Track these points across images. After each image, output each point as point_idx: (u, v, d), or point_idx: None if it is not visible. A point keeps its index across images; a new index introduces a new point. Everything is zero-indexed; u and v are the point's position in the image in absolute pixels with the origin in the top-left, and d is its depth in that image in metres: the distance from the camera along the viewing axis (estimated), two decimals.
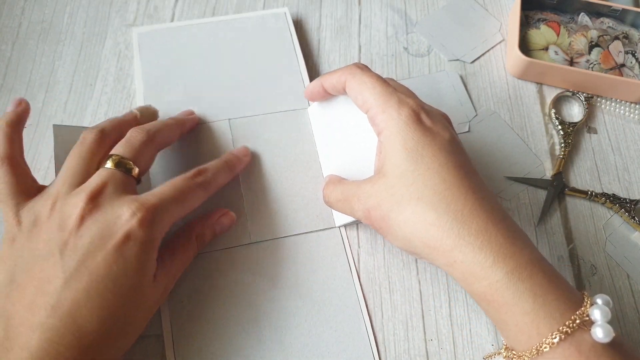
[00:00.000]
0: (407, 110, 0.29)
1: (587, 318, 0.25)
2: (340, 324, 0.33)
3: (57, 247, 0.26)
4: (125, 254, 0.26)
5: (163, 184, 0.30)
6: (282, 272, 0.35)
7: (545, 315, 0.25)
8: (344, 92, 0.33)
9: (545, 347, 0.25)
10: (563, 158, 0.41)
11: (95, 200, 0.27)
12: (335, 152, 0.37)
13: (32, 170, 0.37)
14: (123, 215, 0.27)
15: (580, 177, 0.41)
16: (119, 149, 0.30)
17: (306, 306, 0.34)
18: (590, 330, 0.25)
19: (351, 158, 0.36)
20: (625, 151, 0.42)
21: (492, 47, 0.46)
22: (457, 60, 0.45)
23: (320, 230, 0.36)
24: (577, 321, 0.25)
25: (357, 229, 0.37)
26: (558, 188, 0.40)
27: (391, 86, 0.31)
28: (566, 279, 0.28)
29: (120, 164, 0.29)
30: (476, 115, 0.43)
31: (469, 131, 0.42)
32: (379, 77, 0.31)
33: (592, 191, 0.40)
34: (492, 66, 0.46)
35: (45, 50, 0.43)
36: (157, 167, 0.37)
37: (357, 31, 0.46)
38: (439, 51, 0.46)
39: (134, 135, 0.31)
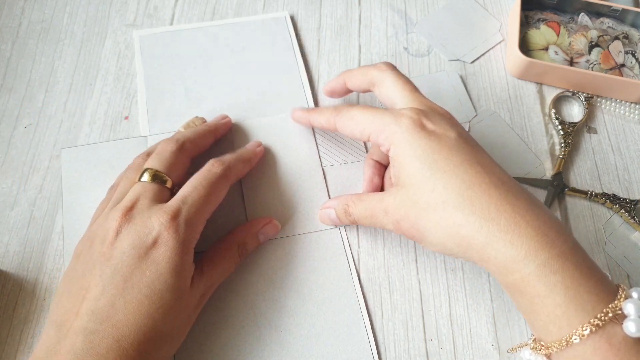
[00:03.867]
0: (406, 120, 0.29)
1: (620, 312, 0.25)
2: (340, 324, 0.33)
3: (98, 259, 0.28)
4: (157, 259, 0.27)
5: (183, 186, 0.31)
6: (282, 272, 0.34)
7: (576, 308, 0.25)
8: (369, 90, 0.35)
9: (575, 339, 0.25)
10: (563, 158, 0.41)
11: (129, 214, 0.28)
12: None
13: (32, 170, 0.38)
14: (152, 223, 0.28)
15: (580, 177, 0.41)
16: (150, 162, 0.31)
17: (306, 306, 0.34)
18: (622, 324, 0.25)
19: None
20: (625, 151, 0.42)
21: (492, 47, 0.46)
22: (457, 60, 0.45)
23: (321, 230, 0.36)
24: (610, 314, 0.25)
25: (357, 229, 0.37)
26: (558, 188, 0.40)
27: (379, 109, 0.32)
28: (600, 269, 0.27)
29: (152, 176, 0.30)
30: (476, 115, 0.43)
31: (468, 131, 0.42)
32: (364, 106, 0.32)
33: (592, 191, 0.40)
34: (492, 66, 0.46)
35: (45, 50, 0.43)
36: None
37: (357, 31, 0.46)
38: (439, 51, 0.46)
39: (163, 147, 0.32)
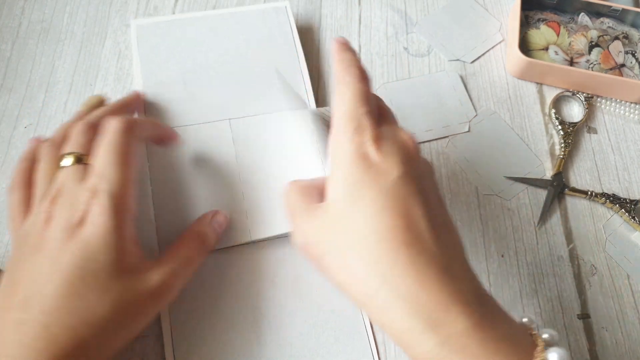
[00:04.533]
0: (356, 142, 0.26)
1: None
2: (340, 324, 0.33)
3: (29, 252, 0.27)
4: (86, 238, 0.26)
5: (95, 154, 0.29)
6: (281, 272, 0.34)
7: None
8: None
9: None
10: (563, 158, 0.41)
11: (56, 200, 0.28)
12: None
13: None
14: (78, 202, 0.27)
15: (580, 177, 0.41)
16: (65, 148, 0.30)
17: (306, 306, 0.34)
18: None
19: None
20: (625, 151, 0.42)
21: (492, 47, 0.46)
22: (457, 60, 0.45)
23: None
24: None
25: None
26: (558, 188, 0.40)
27: (366, 107, 0.27)
28: (515, 328, 0.25)
29: (75, 160, 0.29)
30: (476, 115, 0.43)
31: (469, 131, 0.42)
32: (358, 91, 0.28)
33: (592, 191, 0.40)
34: (492, 66, 0.46)
35: (45, 50, 0.43)
36: (156, 168, 0.36)
37: (357, 31, 0.46)
38: (439, 51, 0.46)
39: (71, 129, 0.31)
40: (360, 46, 0.45)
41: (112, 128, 0.29)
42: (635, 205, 0.39)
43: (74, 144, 0.30)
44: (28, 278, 0.26)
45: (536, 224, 0.39)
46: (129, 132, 0.30)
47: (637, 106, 0.44)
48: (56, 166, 0.29)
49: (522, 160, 0.41)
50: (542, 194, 0.40)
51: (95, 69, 0.42)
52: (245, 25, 0.43)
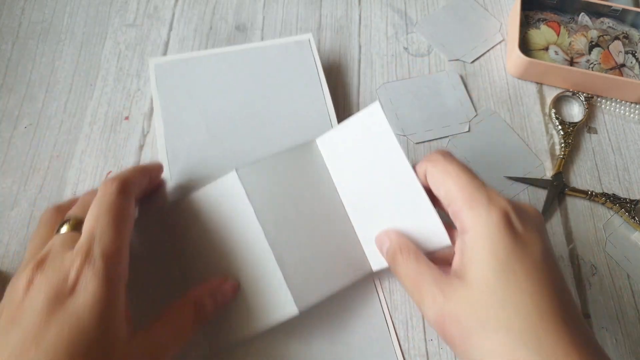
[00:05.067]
0: (498, 211, 0.25)
1: None
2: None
3: (4, 326, 0.23)
4: (77, 309, 0.23)
5: (87, 215, 0.27)
6: (315, 341, 0.33)
7: None
8: (426, 182, 0.29)
9: None
10: (563, 158, 0.41)
11: (40, 266, 0.25)
12: (354, 189, 0.33)
13: (32, 170, 0.38)
14: (66, 268, 0.24)
15: (580, 177, 0.41)
16: (69, 213, 0.28)
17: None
18: None
19: (372, 194, 0.32)
20: (625, 151, 0.42)
21: (492, 47, 0.46)
22: (457, 60, 0.45)
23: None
24: None
25: None
26: (558, 188, 0.40)
27: (478, 178, 0.27)
28: None
29: (73, 226, 0.27)
30: (476, 115, 0.43)
31: (469, 131, 0.42)
32: (464, 167, 0.28)
33: (592, 191, 0.40)
34: (492, 66, 0.46)
35: (45, 50, 0.43)
36: (183, 239, 0.33)
37: (357, 31, 0.46)
38: (439, 51, 0.46)
39: (84, 196, 0.29)
40: (360, 46, 0.45)
41: (106, 189, 0.27)
42: (635, 205, 0.39)
43: (76, 209, 0.28)
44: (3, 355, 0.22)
45: None
46: (124, 193, 0.28)
47: (637, 106, 0.44)
48: (52, 230, 0.28)
49: (522, 160, 0.41)
50: (542, 194, 0.40)
51: (95, 69, 0.42)
52: (268, 61, 0.40)
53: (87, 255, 0.24)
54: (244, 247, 0.31)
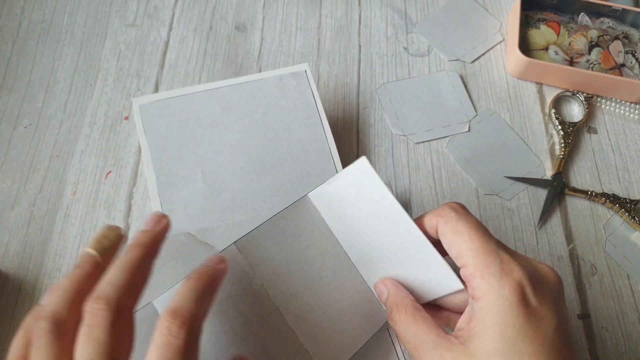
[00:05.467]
0: (511, 284, 0.24)
1: None
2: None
3: None
4: None
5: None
6: None
7: None
8: (436, 235, 0.28)
9: None
10: (563, 158, 0.41)
11: None
12: (356, 241, 0.33)
13: (32, 170, 0.38)
14: None
15: (580, 177, 0.41)
16: (84, 354, 0.21)
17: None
18: None
19: (374, 245, 0.32)
20: (625, 151, 0.42)
21: (492, 47, 0.46)
22: (457, 60, 0.45)
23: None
24: None
25: None
26: (558, 188, 0.40)
27: (492, 240, 0.26)
28: None
29: None
30: (476, 115, 0.43)
31: (468, 131, 0.42)
32: (477, 226, 0.26)
33: (592, 191, 0.40)
34: (492, 66, 0.46)
35: (45, 50, 0.43)
36: None
37: (357, 31, 0.46)
38: (439, 51, 0.46)
39: (92, 319, 0.22)
40: (360, 46, 0.45)
41: (171, 334, 0.22)
42: (635, 205, 0.39)
43: (98, 347, 0.21)
44: None
45: (536, 224, 0.39)
46: (193, 339, 0.23)
47: (637, 106, 0.44)
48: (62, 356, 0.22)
49: (522, 160, 0.41)
50: (542, 194, 0.40)
51: (95, 69, 0.42)
52: (263, 96, 0.37)
53: None
54: (259, 322, 0.30)
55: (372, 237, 0.31)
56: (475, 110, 0.43)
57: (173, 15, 0.45)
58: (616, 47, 0.45)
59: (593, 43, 0.46)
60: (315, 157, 0.36)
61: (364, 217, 0.31)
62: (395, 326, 0.28)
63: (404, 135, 0.41)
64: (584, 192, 0.40)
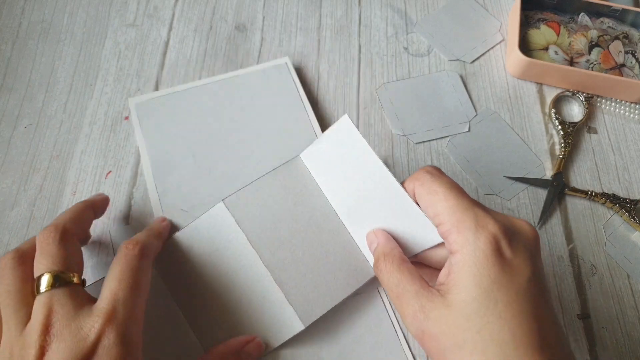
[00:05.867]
0: (486, 237, 0.25)
1: None
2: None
3: None
4: None
5: (105, 280, 0.27)
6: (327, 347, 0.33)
7: None
8: (415, 199, 0.29)
9: None
10: (563, 158, 0.41)
11: (49, 333, 0.24)
12: (344, 198, 0.34)
13: (32, 170, 0.38)
14: (86, 333, 0.24)
15: (580, 177, 0.41)
16: (40, 265, 0.26)
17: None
18: None
19: (361, 201, 0.33)
20: (625, 151, 0.42)
21: (492, 47, 0.46)
22: (457, 60, 0.45)
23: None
24: None
25: None
26: (558, 188, 0.40)
27: (467, 197, 0.27)
28: None
29: (54, 279, 0.25)
30: (476, 115, 0.43)
31: (468, 131, 0.42)
32: (452, 185, 0.28)
33: (592, 191, 0.40)
34: (492, 66, 0.46)
35: (45, 50, 0.43)
36: (176, 287, 0.32)
37: (357, 31, 0.46)
38: (439, 51, 0.46)
39: (44, 240, 0.27)
40: (360, 46, 0.45)
41: (128, 252, 0.28)
42: (635, 205, 0.39)
43: (49, 261, 0.26)
44: None
45: (536, 224, 0.39)
46: (146, 258, 0.28)
47: (637, 106, 0.44)
48: (23, 283, 0.26)
49: (522, 160, 0.41)
50: (542, 194, 0.40)
51: (95, 69, 0.42)
52: (248, 88, 0.41)
53: (110, 319, 0.24)
54: (242, 274, 0.32)
55: (358, 194, 0.32)
56: (475, 110, 0.43)
57: (173, 15, 0.45)
58: (616, 47, 0.45)
59: (593, 43, 0.46)
60: (299, 137, 0.39)
61: (350, 175, 0.33)
62: (380, 274, 0.29)
63: (404, 135, 0.41)
64: (584, 192, 0.40)
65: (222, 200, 0.34)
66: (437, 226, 0.28)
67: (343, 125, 0.33)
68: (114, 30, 0.44)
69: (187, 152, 0.38)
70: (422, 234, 0.29)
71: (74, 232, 0.28)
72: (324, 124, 0.41)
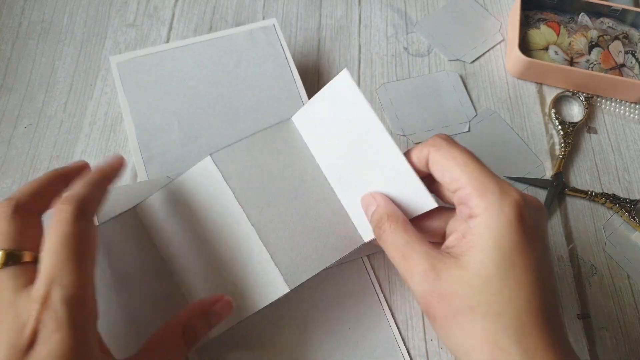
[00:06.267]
0: (510, 202, 0.25)
1: None
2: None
3: None
4: (47, 354, 0.21)
5: (41, 254, 0.24)
6: (315, 315, 0.34)
7: None
8: (426, 168, 0.28)
9: None
10: (563, 158, 0.41)
11: None
12: (336, 162, 0.33)
13: (32, 170, 0.38)
14: (23, 323, 0.22)
15: (580, 177, 0.41)
16: None
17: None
18: None
19: (353, 164, 0.31)
20: (625, 151, 0.42)
21: (492, 47, 0.46)
22: (457, 60, 0.45)
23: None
24: None
25: None
26: (558, 188, 0.40)
27: (486, 167, 0.26)
28: None
29: (5, 259, 0.23)
30: (476, 115, 0.43)
31: (469, 131, 0.42)
32: (470, 153, 0.27)
33: (592, 191, 0.40)
34: (492, 66, 0.46)
35: (45, 50, 0.43)
36: (162, 243, 0.31)
37: (357, 31, 0.46)
38: (439, 51, 0.46)
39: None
40: (360, 46, 0.45)
41: (60, 216, 0.24)
42: (635, 205, 0.39)
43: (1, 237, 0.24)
44: None
45: None
46: (82, 218, 0.24)
47: (637, 106, 0.44)
48: None
49: (522, 160, 0.41)
50: (542, 194, 0.40)
51: (95, 69, 0.42)
52: (234, 49, 0.40)
53: (46, 302, 0.22)
54: (228, 232, 0.31)
55: (351, 156, 0.31)
56: (475, 110, 0.43)
57: (173, 15, 0.45)
58: (616, 47, 0.45)
59: (593, 43, 0.46)
60: (286, 102, 0.38)
61: (345, 135, 0.31)
62: (384, 234, 0.28)
63: (404, 135, 0.41)
64: (584, 192, 0.40)
65: (210, 154, 0.31)
66: (454, 191, 0.27)
67: (341, 82, 0.30)
68: (114, 30, 0.44)
69: (172, 117, 0.37)
70: (414, 199, 0.28)
71: (31, 206, 0.25)
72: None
